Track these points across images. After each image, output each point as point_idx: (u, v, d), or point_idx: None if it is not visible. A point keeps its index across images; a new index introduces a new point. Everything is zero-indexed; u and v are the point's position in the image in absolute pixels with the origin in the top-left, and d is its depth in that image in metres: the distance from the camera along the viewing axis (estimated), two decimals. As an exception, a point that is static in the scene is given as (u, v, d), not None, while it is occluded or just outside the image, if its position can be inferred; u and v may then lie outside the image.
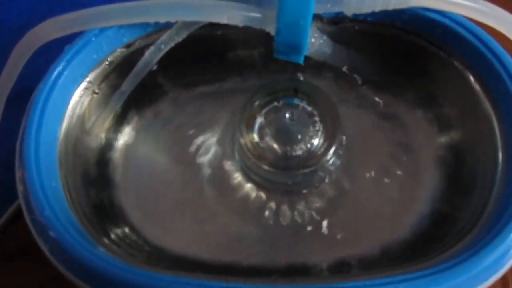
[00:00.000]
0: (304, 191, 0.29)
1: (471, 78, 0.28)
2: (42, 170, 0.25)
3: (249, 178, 0.29)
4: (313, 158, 0.28)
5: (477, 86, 0.28)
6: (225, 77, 0.33)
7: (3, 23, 0.39)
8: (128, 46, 0.30)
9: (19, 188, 0.25)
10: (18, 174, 0.25)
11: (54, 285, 0.30)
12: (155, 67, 0.29)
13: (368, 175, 0.29)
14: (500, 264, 0.23)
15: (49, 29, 0.27)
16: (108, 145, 0.31)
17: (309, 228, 0.28)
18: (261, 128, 0.29)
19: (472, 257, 0.22)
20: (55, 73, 0.27)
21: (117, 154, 0.31)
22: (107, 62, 0.29)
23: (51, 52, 0.28)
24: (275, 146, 0.28)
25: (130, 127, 0.32)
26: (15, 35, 0.28)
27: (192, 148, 0.31)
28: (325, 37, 0.29)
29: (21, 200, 0.25)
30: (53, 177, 0.26)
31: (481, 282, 0.22)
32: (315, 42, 0.28)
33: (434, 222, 0.28)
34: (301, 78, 0.31)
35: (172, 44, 0.28)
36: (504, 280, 0.30)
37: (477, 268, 0.22)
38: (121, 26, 0.28)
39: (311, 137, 0.28)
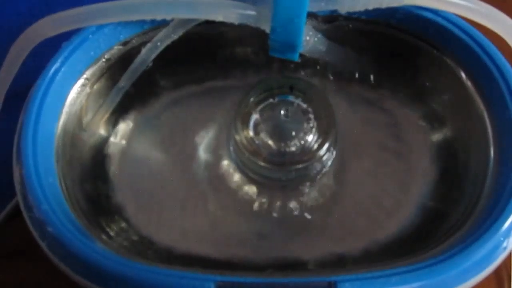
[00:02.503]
0: (298, 187, 0.29)
1: (463, 75, 0.28)
2: (39, 166, 0.25)
3: (244, 174, 0.30)
4: (306, 154, 0.28)
5: (469, 83, 0.28)
6: (222, 75, 0.33)
7: (2, 22, 0.39)
8: (125, 43, 0.30)
9: (17, 185, 0.25)
10: (15, 171, 0.25)
11: (53, 283, 0.30)
12: (152, 64, 0.29)
13: (361, 171, 0.30)
14: (490, 259, 0.23)
15: (47, 27, 0.28)
16: (105, 141, 0.31)
17: (303, 223, 0.29)
18: (256, 124, 0.29)
19: (462, 251, 0.23)
20: (52, 70, 0.27)
21: (114, 150, 0.31)
22: (104, 59, 0.30)
23: (49, 51, 0.28)
24: (270, 142, 0.29)
25: (127, 123, 0.32)
26: (15, 34, 0.28)
27: (188, 144, 0.31)
28: (319, 35, 0.29)
29: (19, 197, 0.25)
30: (50, 173, 0.26)
31: (471, 277, 0.23)
32: (310, 40, 0.28)
33: (426, 217, 0.28)
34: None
35: (168, 42, 0.29)
36: (499, 279, 0.30)
37: (467, 262, 0.22)
38: (118, 24, 0.29)
39: (306, 134, 0.29)
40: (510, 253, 0.29)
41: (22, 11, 0.40)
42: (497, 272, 0.31)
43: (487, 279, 0.23)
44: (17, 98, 0.27)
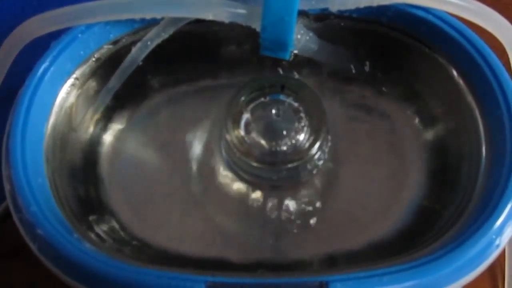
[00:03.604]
0: (290, 186, 0.29)
1: (455, 73, 0.28)
2: (28, 166, 0.25)
3: (236, 174, 0.30)
4: (298, 153, 0.28)
5: (460, 81, 0.28)
6: (213, 74, 0.33)
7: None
8: (115, 42, 0.30)
9: (6, 187, 0.25)
10: (5, 173, 0.25)
11: (46, 284, 0.30)
12: (142, 64, 0.29)
13: (353, 170, 0.30)
14: (483, 257, 0.23)
15: (36, 26, 0.28)
16: (96, 141, 0.31)
17: (295, 223, 0.29)
18: (247, 123, 0.29)
19: (455, 249, 0.23)
20: (41, 69, 0.27)
21: (104, 150, 0.31)
22: (94, 59, 0.29)
23: (38, 52, 0.28)
24: (261, 141, 0.28)
25: (118, 123, 0.32)
26: (7, 35, 0.28)
27: (179, 144, 0.31)
28: (311, 34, 0.29)
29: (8, 199, 0.25)
30: (39, 174, 0.26)
31: (464, 275, 0.23)
32: (301, 39, 0.28)
33: (419, 216, 0.28)
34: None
35: (158, 41, 0.29)
36: (493, 277, 0.30)
37: (460, 261, 0.22)
38: (107, 23, 0.29)
39: (297, 133, 0.28)
40: (504, 251, 0.29)
41: (15, 12, 0.39)
42: (491, 270, 0.31)
43: (481, 277, 0.24)
44: (8, 100, 0.27)
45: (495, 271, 0.30)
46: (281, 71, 0.32)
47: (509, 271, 0.30)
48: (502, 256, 0.30)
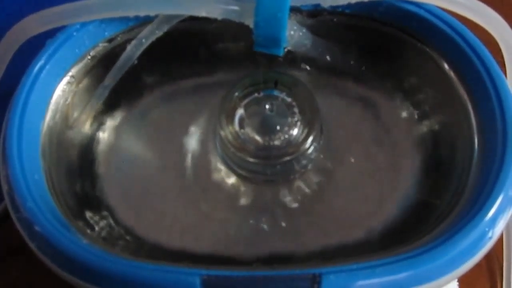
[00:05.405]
0: (284, 180, 0.29)
1: (446, 66, 0.28)
2: (25, 163, 0.25)
3: (230, 169, 0.30)
4: (291, 148, 0.28)
5: (452, 74, 0.28)
6: (208, 71, 0.33)
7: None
8: (110, 40, 0.30)
9: (4, 187, 0.25)
10: (2, 172, 0.25)
11: (45, 284, 0.30)
12: (138, 62, 0.29)
13: (347, 164, 0.30)
14: (476, 249, 0.23)
15: (32, 25, 0.28)
16: (92, 139, 0.31)
17: (289, 217, 0.29)
18: (241, 119, 0.29)
19: (447, 241, 0.23)
20: (37, 67, 0.27)
21: (101, 147, 0.31)
22: (89, 57, 0.30)
23: (34, 51, 0.28)
24: (255, 136, 0.29)
25: (113, 120, 0.32)
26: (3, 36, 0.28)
27: (175, 140, 0.31)
28: (304, 30, 0.29)
29: (6, 199, 0.25)
30: (36, 170, 0.26)
31: (457, 267, 0.23)
32: (295, 35, 0.29)
33: (413, 209, 0.28)
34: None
35: (153, 38, 0.29)
36: (490, 272, 0.31)
37: (452, 252, 0.22)
38: (102, 21, 0.29)
39: (290, 128, 0.29)
40: (502, 245, 0.29)
41: (12, 13, 0.40)
42: (488, 264, 0.31)
43: (479, 272, 0.24)
44: (3, 98, 0.27)
45: (493, 266, 0.31)
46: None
47: (507, 265, 0.30)
48: (499, 250, 0.30)
